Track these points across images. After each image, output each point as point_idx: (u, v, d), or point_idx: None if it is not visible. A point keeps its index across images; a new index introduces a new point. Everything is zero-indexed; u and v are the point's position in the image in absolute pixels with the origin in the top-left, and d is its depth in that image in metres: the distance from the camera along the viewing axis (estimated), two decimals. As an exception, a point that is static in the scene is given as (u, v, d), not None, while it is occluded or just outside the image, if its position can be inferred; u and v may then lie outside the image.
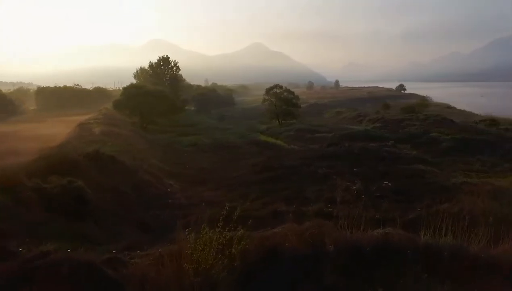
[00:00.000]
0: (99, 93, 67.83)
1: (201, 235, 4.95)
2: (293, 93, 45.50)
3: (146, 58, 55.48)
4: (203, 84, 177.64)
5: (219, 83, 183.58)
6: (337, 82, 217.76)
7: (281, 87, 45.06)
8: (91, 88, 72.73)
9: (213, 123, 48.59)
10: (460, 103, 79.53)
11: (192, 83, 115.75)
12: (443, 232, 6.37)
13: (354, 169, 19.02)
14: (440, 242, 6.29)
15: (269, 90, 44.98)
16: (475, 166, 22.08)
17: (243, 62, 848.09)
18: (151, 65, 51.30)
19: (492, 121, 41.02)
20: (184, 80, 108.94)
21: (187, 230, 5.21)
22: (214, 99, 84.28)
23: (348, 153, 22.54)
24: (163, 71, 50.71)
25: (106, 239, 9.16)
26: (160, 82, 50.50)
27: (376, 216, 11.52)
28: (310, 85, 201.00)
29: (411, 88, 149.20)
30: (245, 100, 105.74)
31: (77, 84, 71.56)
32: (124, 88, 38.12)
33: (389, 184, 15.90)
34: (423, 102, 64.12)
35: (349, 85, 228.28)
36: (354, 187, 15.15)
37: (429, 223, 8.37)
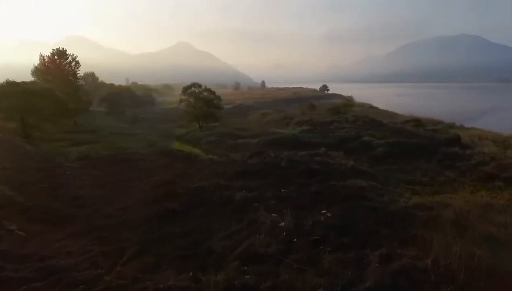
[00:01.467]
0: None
1: None
2: (214, 93, 40.67)
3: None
4: (124, 83, 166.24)
5: (143, 82, 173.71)
6: (263, 83, 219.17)
7: (200, 86, 39.88)
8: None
9: (121, 128, 41.95)
10: (380, 103, 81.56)
11: (113, 82, 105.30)
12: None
13: (282, 190, 14.87)
14: None
15: (186, 90, 39.51)
16: (416, 177, 19.29)
17: (169, 61, 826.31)
18: (42, 59, 42.74)
19: (417, 122, 40.41)
20: (97, 78, 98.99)
21: None
22: (130, 100, 76.63)
23: (274, 166, 18.40)
24: (58, 67, 42.48)
25: None
26: (59, 80, 42.43)
27: (318, 289, 7.26)
28: (236, 86, 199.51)
29: (333, 88, 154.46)
30: (167, 100, 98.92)
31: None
32: (-4, 87, 30.07)
33: (329, 214, 11.89)
34: (348, 102, 63.56)
35: (275, 86, 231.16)
36: (283, 224, 10.84)
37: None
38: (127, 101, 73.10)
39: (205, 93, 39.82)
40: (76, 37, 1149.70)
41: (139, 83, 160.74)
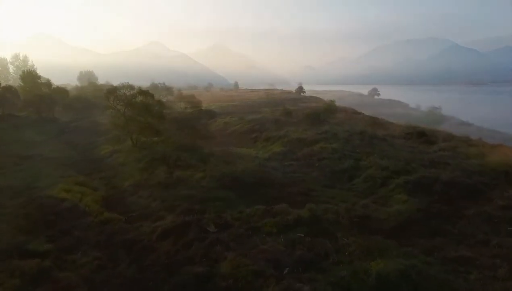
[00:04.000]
0: None
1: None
2: (152, 96, 29.16)
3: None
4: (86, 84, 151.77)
5: (112, 83, 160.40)
6: (236, 84, 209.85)
7: (132, 87, 28.51)
8: None
9: (28, 144, 30.07)
10: (359, 106, 73.17)
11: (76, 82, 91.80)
12: None
13: None
14: None
15: (111, 92, 27.96)
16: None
17: (140, 61, 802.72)
18: None
19: (424, 136, 30.51)
20: (39, 77, 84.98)
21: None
22: (72, 103, 63.94)
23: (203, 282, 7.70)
24: None
25: None
26: None
27: None
28: (208, 87, 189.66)
29: (308, 90, 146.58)
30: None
31: None
32: None
33: None
34: (330, 107, 53.46)
35: (249, 87, 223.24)
36: None
37: None
38: (66, 105, 60.69)
39: (140, 97, 28.45)
40: (43, 36, 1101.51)
41: (109, 83, 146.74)
